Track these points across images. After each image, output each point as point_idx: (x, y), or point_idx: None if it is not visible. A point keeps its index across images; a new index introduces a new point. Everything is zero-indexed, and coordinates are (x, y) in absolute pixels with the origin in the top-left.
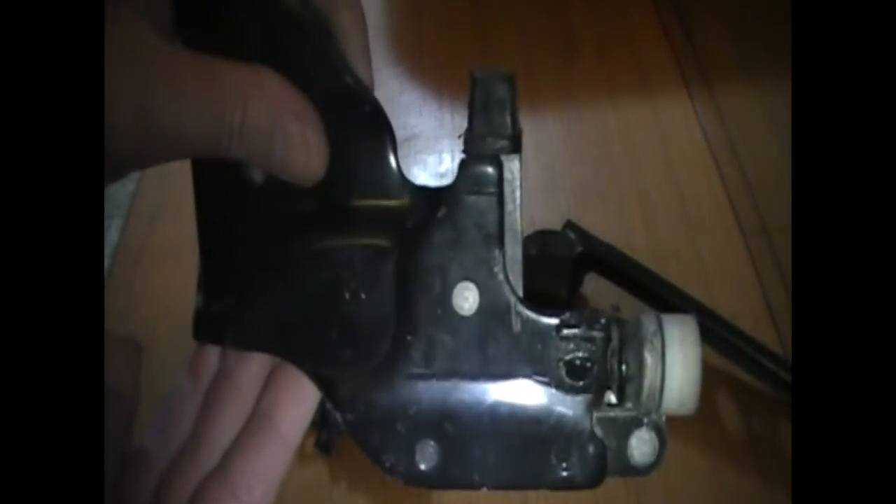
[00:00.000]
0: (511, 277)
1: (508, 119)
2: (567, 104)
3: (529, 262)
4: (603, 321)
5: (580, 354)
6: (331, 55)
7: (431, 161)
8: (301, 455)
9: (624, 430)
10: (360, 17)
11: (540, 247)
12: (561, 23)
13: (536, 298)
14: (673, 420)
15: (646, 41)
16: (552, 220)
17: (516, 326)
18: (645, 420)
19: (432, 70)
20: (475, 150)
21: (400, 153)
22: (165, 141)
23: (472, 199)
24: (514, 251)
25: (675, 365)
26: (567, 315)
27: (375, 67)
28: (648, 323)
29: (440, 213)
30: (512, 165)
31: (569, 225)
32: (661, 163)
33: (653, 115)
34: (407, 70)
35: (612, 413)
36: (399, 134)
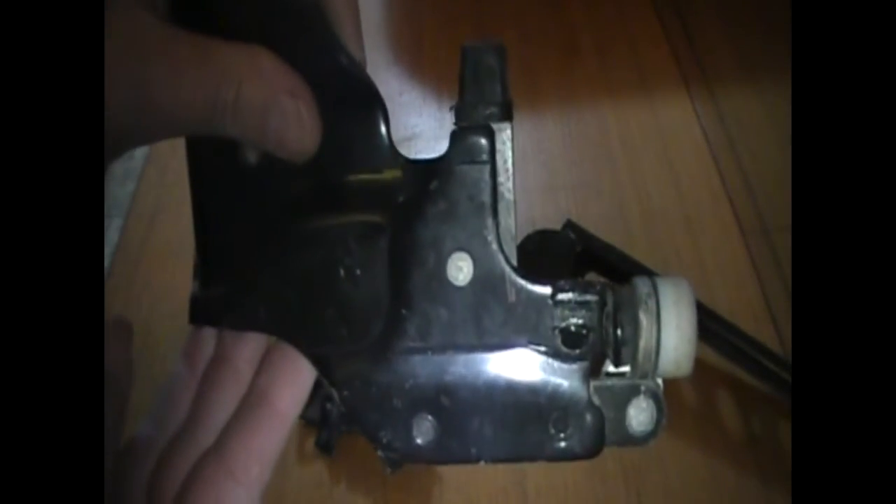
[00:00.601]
0: (505, 247)
1: (498, 87)
2: (567, 104)
3: (529, 262)
4: (598, 286)
5: (575, 321)
6: (323, 35)
7: None
8: (301, 455)
9: (621, 399)
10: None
11: (540, 246)
12: (561, 22)
13: None
14: (673, 420)
15: (646, 41)
16: (552, 220)
17: (511, 296)
18: (642, 388)
19: (432, 70)
20: (466, 119)
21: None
22: (163, 118)
23: (464, 169)
24: (507, 221)
25: (671, 324)
26: (561, 282)
27: (375, 67)
28: (642, 285)
29: (433, 185)
30: (503, 134)
31: (569, 224)
32: (661, 163)
33: (653, 115)
34: (407, 70)
35: (609, 382)
36: (399, 134)
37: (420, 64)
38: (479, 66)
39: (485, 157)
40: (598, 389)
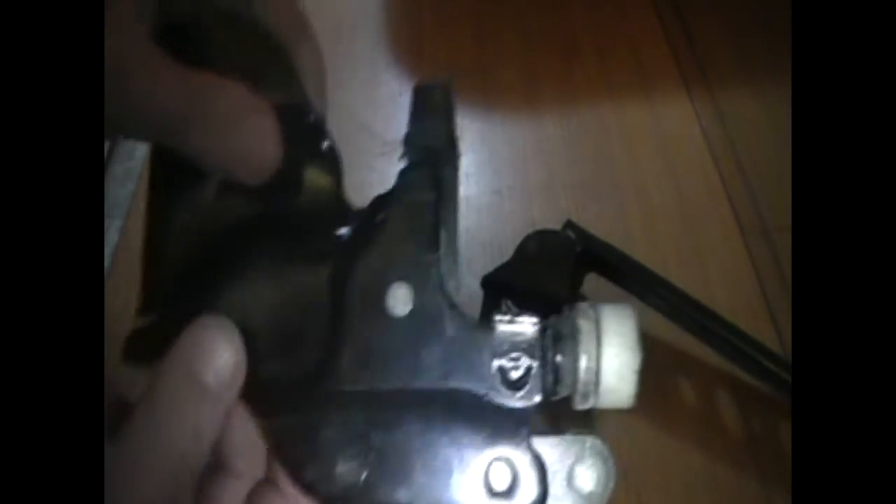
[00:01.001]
0: (447, 281)
1: (445, 126)
2: (567, 104)
3: (529, 262)
4: (537, 318)
5: (515, 357)
6: (292, 87)
7: None
8: None
9: (567, 454)
10: (317, 52)
11: (540, 247)
12: (561, 23)
13: (537, 298)
14: (673, 420)
15: (646, 41)
16: (552, 220)
17: (450, 330)
18: (588, 444)
19: (432, 70)
20: (413, 156)
21: (400, 153)
22: (136, 120)
23: (409, 203)
24: (450, 255)
25: (612, 341)
26: (500, 316)
27: (375, 67)
28: (583, 308)
29: (378, 218)
30: (448, 171)
31: (569, 225)
32: (661, 163)
33: (653, 115)
34: (407, 70)
35: (555, 438)
36: (399, 134)
37: (420, 64)
38: (426, 104)
39: (430, 191)
40: (543, 444)
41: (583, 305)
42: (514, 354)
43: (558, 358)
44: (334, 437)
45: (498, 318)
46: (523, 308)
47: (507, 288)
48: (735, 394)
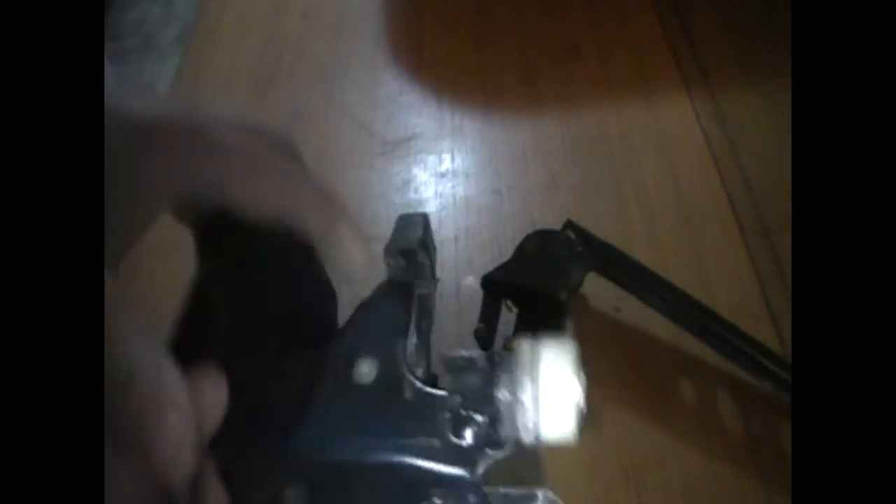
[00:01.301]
0: (411, 360)
1: (419, 242)
2: (567, 104)
3: (529, 262)
4: (484, 356)
5: (463, 410)
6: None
7: (431, 161)
8: None
9: None
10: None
11: (540, 247)
12: (561, 22)
13: (536, 298)
14: (673, 420)
15: (646, 41)
16: (552, 220)
17: (407, 394)
18: (540, 495)
19: (432, 70)
20: (390, 262)
21: (400, 153)
22: None
23: (385, 302)
24: (419, 342)
25: (550, 382)
26: (453, 356)
27: (375, 67)
28: (525, 347)
29: (357, 311)
30: (421, 284)
31: (569, 225)
32: (661, 163)
33: (653, 115)
34: (407, 70)
35: (506, 489)
36: (399, 134)
37: (420, 64)
38: (406, 225)
39: (402, 295)
40: (494, 496)
41: (523, 344)
42: (463, 408)
43: (502, 396)
44: (283, 471)
45: (446, 391)
46: (523, 308)
47: (506, 288)
48: (735, 394)
